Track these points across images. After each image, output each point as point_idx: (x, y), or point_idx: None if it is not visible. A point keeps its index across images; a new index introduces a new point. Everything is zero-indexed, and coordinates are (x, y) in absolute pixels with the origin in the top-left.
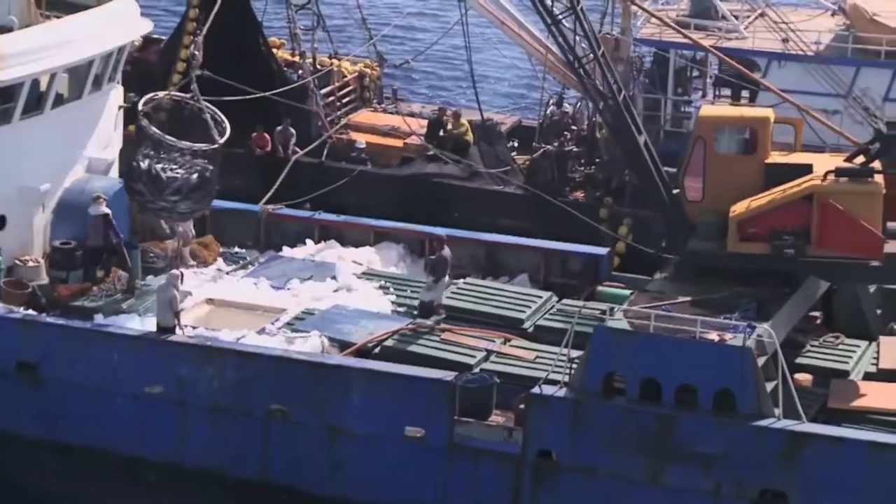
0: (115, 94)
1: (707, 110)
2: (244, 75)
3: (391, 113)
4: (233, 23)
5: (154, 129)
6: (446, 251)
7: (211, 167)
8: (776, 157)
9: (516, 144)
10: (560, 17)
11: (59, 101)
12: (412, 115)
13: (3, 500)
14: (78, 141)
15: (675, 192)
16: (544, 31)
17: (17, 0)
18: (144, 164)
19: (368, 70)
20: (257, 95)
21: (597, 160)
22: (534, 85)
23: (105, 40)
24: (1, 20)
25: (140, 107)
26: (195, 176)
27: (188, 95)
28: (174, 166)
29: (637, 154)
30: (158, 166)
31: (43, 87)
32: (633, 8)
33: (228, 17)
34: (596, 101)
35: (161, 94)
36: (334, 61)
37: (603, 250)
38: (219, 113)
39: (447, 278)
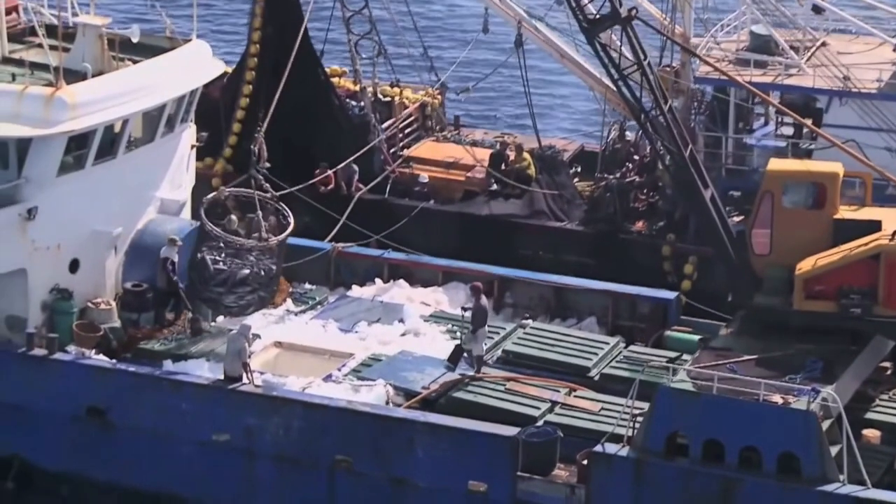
0: (188, 134)
1: (775, 164)
2: (305, 111)
3: (454, 142)
4: (293, 58)
5: (210, 224)
6: (483, 300)
7: (272, 266)
8: (845, 213)
9: (579, 170)
10: (627, 71)
11: (132, 144)
12: (475, 143)
13: None
14: (150, 182)
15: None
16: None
17: (92, 46)
18: (200, 255)
19: (430, 99)
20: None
21: (659, 187)
22: (596, 109)
23: (178, 85)
24: (75, 66)
25: (202, 205)
26: (245, 271)
27: (249, 191)
28: (240, 261)
29: (703, 209)
30: (210, 257)
31: (116, 130)
32: (693, 41)
33: (288, 53)
34: (661, 155)
35: (225, 189)
36: (396, 89)
37: (672, 294)
38: (283, 207)
39: (486, 328)
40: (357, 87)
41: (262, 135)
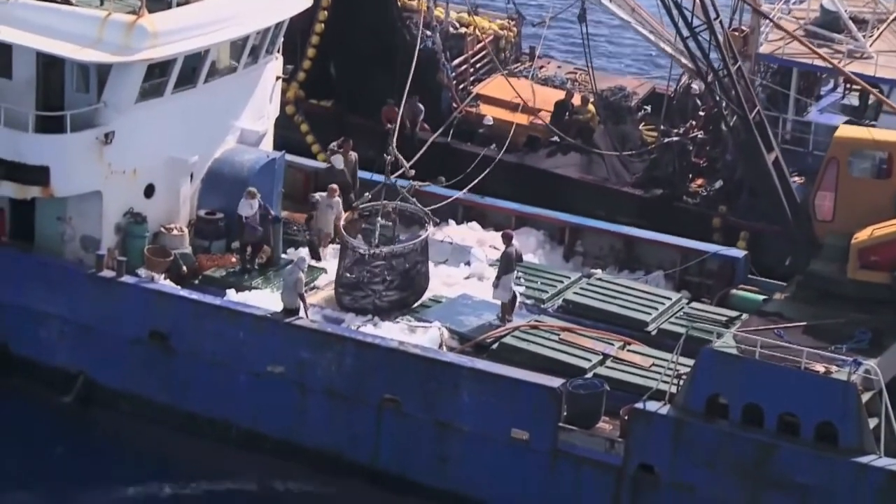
0: (273, 66)
1: (843, 131)
2: (375, 44)
3: (525, 77)
4: None
5: (350, 238)
6: (512, 248)
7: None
8: None
9: (649, 110)
10: (697, 30)
11: (214, 73)
12: (546, 80)
13: (130, 460)
14: (231, 112)
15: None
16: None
17: None
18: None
19: (505, 31)
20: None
21: (721, 142)
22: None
23: (263, 17)
24: None
25: (343, 222)
26: (365, 275)
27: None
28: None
29: (765, 172)
30: (346, 262)
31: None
32: (763, 8)
33: None
34: (725, 116)
35: (364, 204)
36: (472, 18)
37: (741, 253)
38: (423, 212)
39: (514, 273)
40: (437, 10)
41: (395, 147)
